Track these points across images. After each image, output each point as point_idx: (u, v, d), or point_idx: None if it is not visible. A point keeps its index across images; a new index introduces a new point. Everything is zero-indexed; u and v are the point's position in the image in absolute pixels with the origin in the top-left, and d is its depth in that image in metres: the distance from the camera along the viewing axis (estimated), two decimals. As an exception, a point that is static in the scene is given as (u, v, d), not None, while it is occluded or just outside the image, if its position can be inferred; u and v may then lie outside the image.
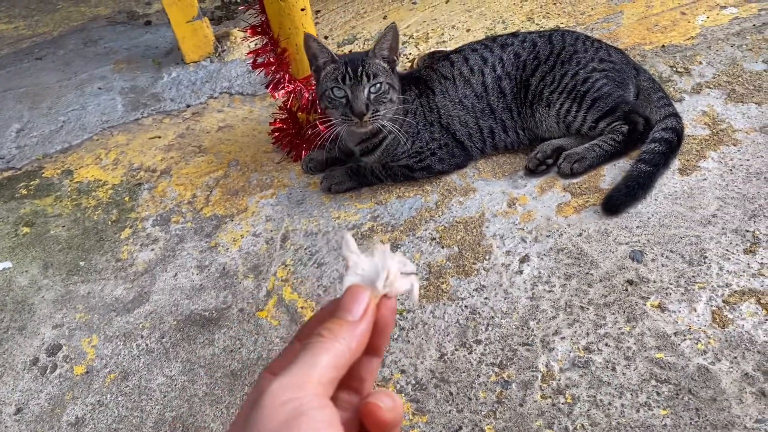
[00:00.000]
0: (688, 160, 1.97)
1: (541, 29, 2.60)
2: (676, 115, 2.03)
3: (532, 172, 2.05)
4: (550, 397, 1.47)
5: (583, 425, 1.40)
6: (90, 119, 2.82)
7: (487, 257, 1.83)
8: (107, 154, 2.59)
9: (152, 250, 2.11)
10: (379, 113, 1.91)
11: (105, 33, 3.44)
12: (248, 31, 2.18)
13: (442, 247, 1.89)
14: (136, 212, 2.28)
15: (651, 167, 1.90)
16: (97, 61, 3.22)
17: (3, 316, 1.97)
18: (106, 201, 2.35)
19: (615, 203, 1.86)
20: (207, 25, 2.92)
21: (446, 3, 3.00)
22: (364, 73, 1.87)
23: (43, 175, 2.55)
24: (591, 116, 2.03)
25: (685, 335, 1.53)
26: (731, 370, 1.44)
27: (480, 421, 1.45)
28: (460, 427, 1.45)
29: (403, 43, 2.88)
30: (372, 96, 1.89)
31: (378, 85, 1.90)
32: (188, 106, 2.78)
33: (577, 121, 2.05)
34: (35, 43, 3.44)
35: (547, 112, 2.07)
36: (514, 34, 2.20)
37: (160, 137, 2.63)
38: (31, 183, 2.52)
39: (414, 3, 3.07)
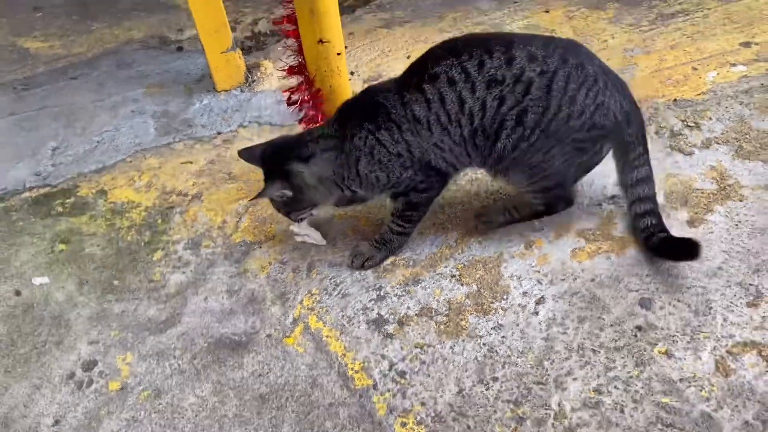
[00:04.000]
0: (696, 213, 2.08)
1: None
2: (649, 180, 1.98)
3: None
4: (562, 434, 1.57)
5: (592, 463, 1.50)
6: (123, 141, 2.94)
7: (504, 297, 1.94)
8: (140, 176, 2.70)
9: (183, 272, 2.22)
10: (301, 217, 2.13)
11: (137, 56, 3.58)
12: (286, 71, 2.31)
13: (462, 285, 2.00)
14: (168, 235, 2.39)
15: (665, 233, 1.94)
16: (130, 84, 3.35)
17: (41, 330, 2.08)
18: (139, 222, 2.47)
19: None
20: (239, 56, 3.05)
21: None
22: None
23: (78, 193, 2.66)
24: (531, 187, 2.00)
25: (690, 382, 1.63)
26: (732, 417, 1.54)
27: (496, 455, 1.55)
28: (477, 459, 1.55)
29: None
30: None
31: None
32: (219, 133, 2.90)
33: (519, 186, 2.03)
34: (70, 62, 3.58)
35: (501, 178, 2.00)
36: (510, 61, 1.77)
37: (191, 162, 2.74)
38: (67, 201, 2.63)
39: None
